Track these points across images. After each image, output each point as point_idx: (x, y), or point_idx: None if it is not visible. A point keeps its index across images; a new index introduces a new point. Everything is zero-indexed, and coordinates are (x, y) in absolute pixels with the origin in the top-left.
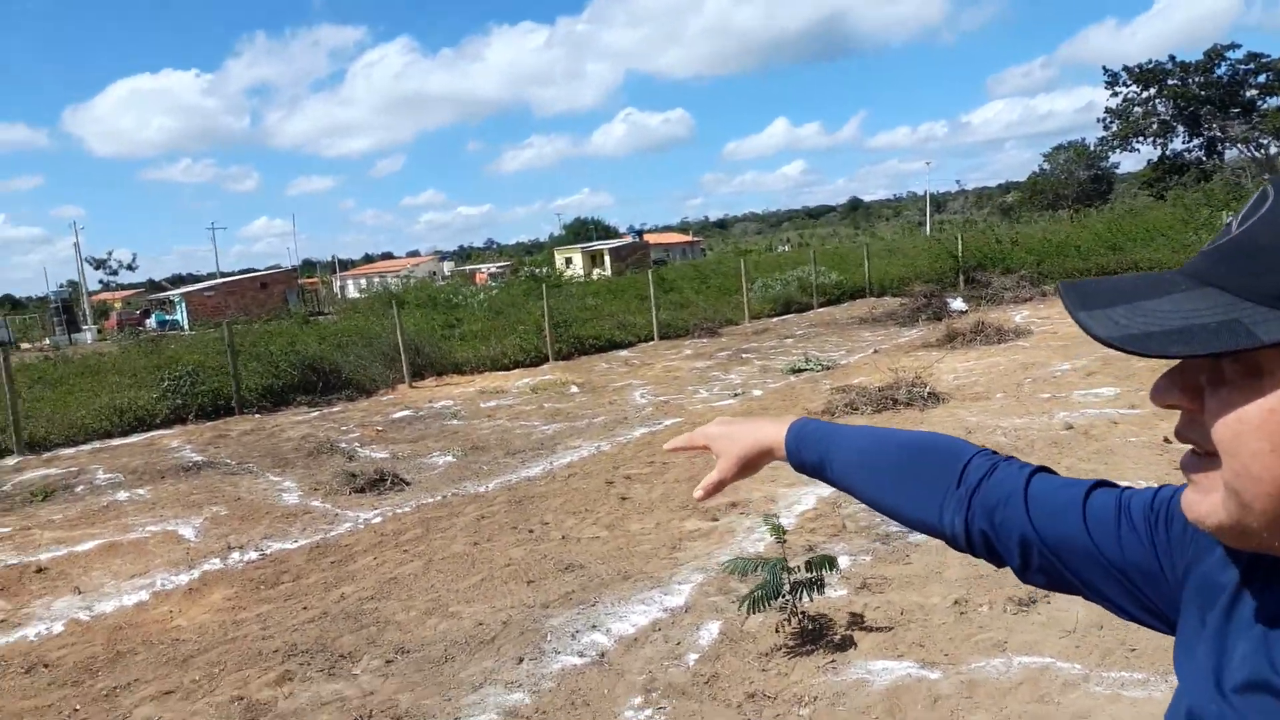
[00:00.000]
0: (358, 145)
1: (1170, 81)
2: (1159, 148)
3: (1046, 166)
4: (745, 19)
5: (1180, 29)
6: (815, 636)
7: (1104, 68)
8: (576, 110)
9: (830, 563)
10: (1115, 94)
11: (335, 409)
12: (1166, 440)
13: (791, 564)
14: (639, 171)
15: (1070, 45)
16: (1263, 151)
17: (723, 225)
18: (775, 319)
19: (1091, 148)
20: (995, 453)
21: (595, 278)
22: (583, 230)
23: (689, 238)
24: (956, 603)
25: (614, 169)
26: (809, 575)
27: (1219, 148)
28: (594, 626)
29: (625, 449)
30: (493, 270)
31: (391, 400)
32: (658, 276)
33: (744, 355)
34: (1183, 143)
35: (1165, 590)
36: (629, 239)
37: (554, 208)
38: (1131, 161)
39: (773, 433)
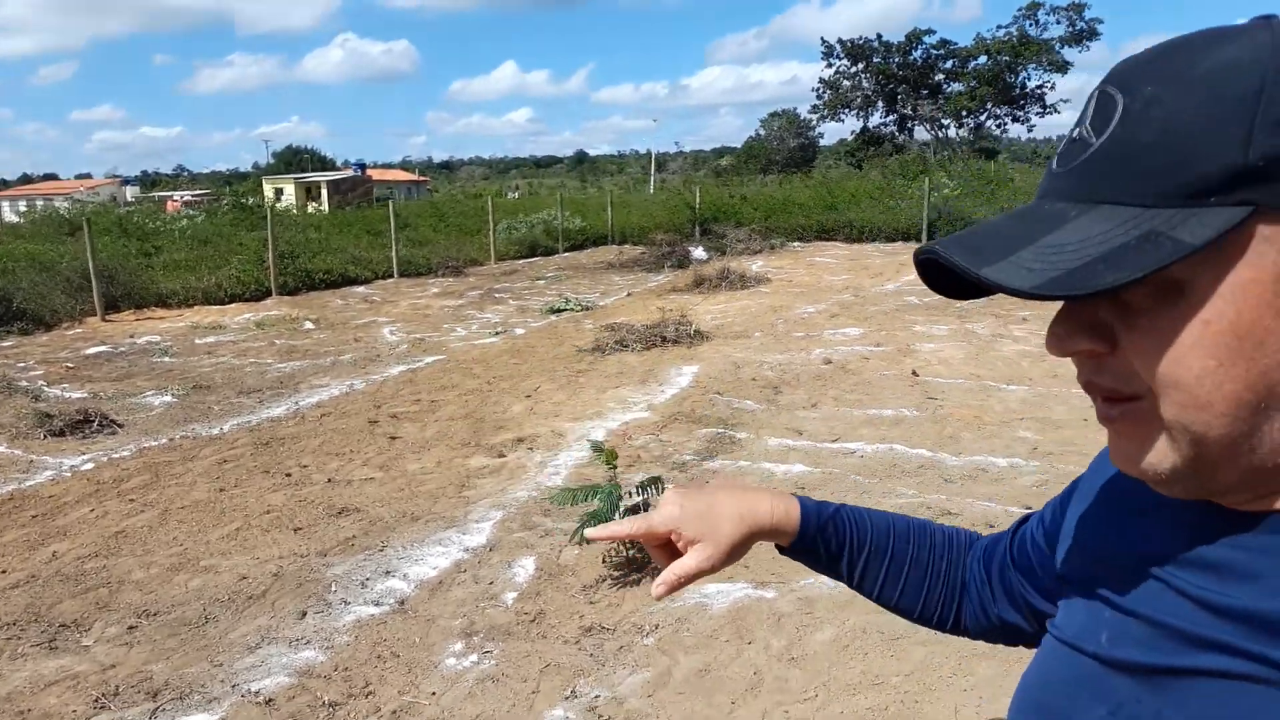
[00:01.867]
0: (16, 46)
1: (875, 59)
2: (861, 120)
3: (762, 132)
4: None
5: (874, 14)
6: (641, 564)
7: (822, 39)
8: (288, 30)
9: (659, 484)
10: (830, 65)
11: (6, 344)
12: (914, 374)
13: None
14: (357, 103)
15: (781, 19)
16: (944, 131)
17: (448, 167)
18: (521, 261)
19: (802, 117)
20: (1000, 534)
21: (312, 211)
22: (295, 160)
23: (416, 176)
24: None
25: (328, 98)
26: (639, 499)
27: (909, 125)
28: (387, 572)
29: (384, 387)
30: (187, 198)
31: (80, 334)
32: (391, 212)
33: (496, 295)
34: (881, 118)
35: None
36: (350, 172)
37: (258, 135)
38: (834, 132)
39: (782, 509)
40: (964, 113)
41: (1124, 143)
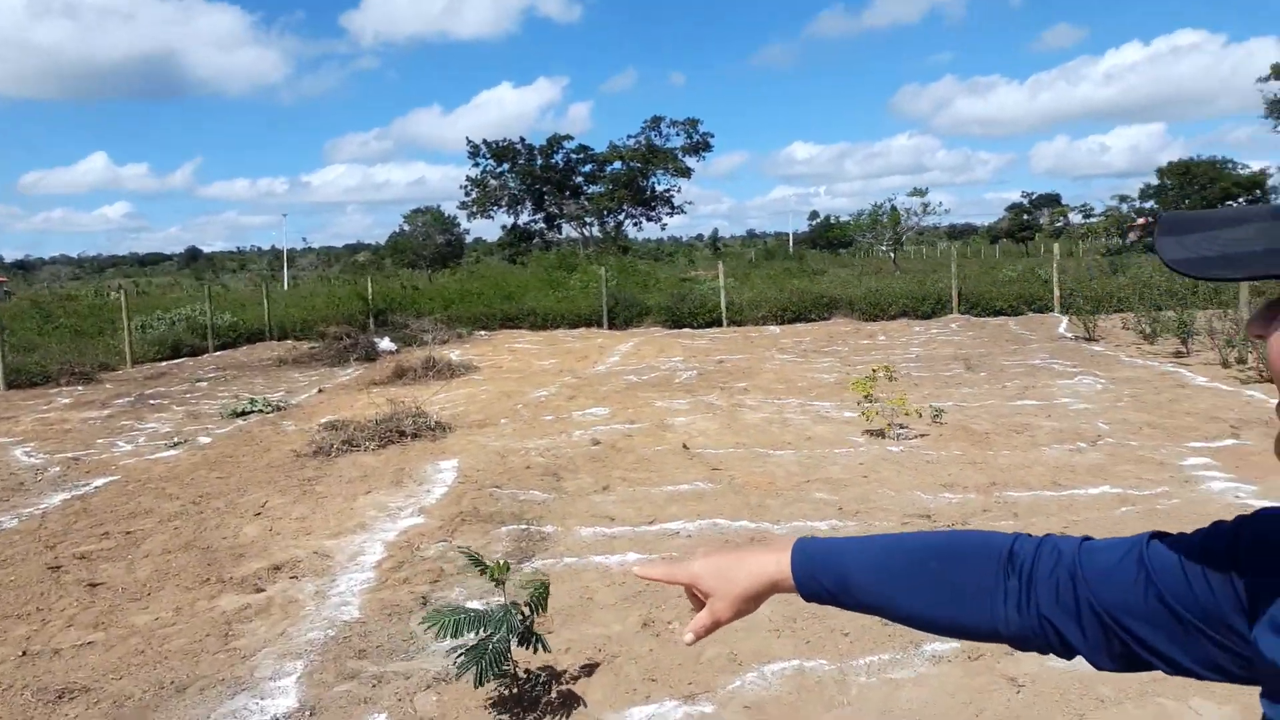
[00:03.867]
0: None
1: (520, 161)
2: (513, 216)
3: (407, 228)
4: (50, 37)
5: (491, 122)
6: (535, 700)
7: (468, 139)
8: None
9: (543, 598)
10: (476, 164)
11: None
12: (685, 446)
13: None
14: None
15: (402, 121)
16: (588, 229)
17: (24, 267)
18: (166, 363)
19: (447, 214)
20: (1030, 535)
21: None
22: None
23: None
24: (645, 624)
25: None
26: (524, 620)
27: (556, 222)
28: None
29: (48, 522)
30: None
31: None
32: None
33: (152, 402)
34: (530, 215)
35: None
36: None
37: None
38: (479, 229)
39: (772, 562)
40: (605, 212)
41: None
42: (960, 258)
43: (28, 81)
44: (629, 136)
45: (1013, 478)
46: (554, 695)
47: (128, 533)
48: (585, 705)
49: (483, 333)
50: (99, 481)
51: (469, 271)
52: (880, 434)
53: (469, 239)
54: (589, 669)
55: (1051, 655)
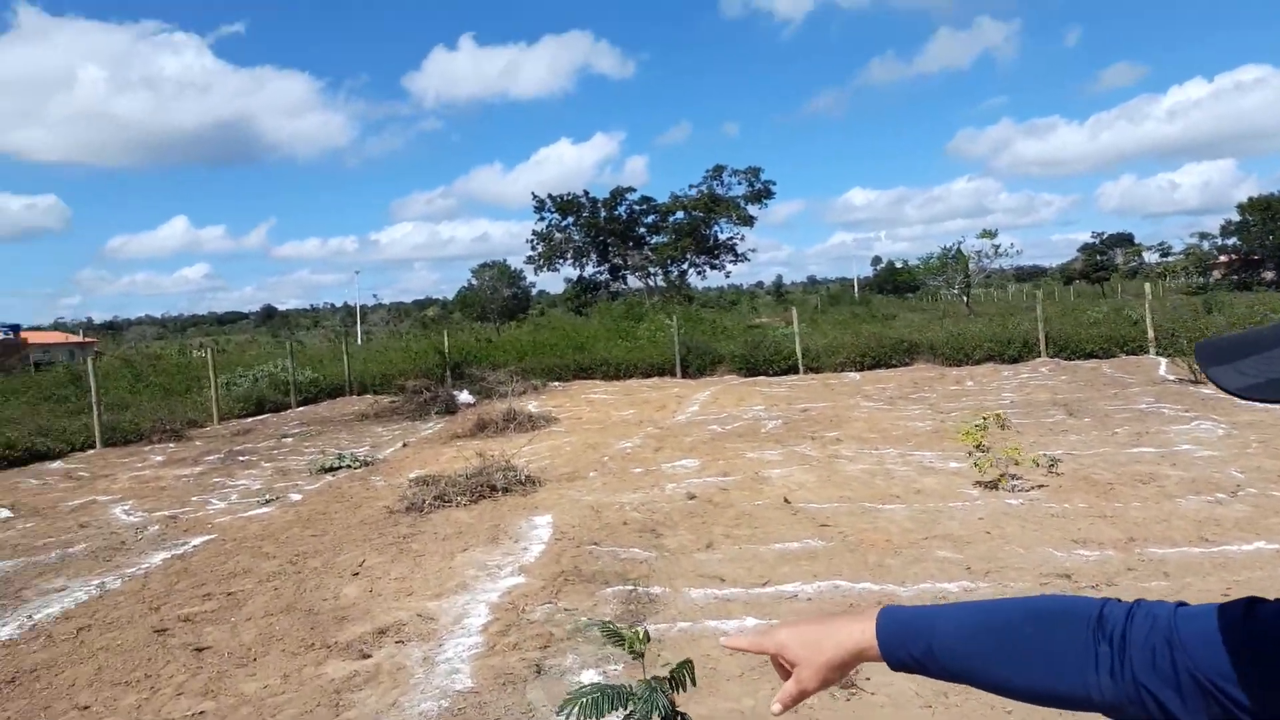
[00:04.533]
0: None
1: (584, 214)
2: (579, 268)
3: (475, 282)
4: (130, 109)
5: (549, 179)
6: None
7: (534, 194)
8: None
9: (690, 674)
10: (541, 218)
11: None
12: (786, 500)
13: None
14: None
15: (465, 181)
16: (653, 279)
17: (114, 327)
18: (251, 419)
19: (513, 268)
20: (1119, 600)
21: None
22: None
23: (79, 338)
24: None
25: None
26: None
27: (621, 273)
28: None
29: (150, 582)
30: None
31: None
32: (71, 375)
33: (241, 458)
34: (594, 267)
35: None
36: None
37: None
38: (546, 282)
39: (859, 631)
40: (669, 261)
41: None
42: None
43: (112, 151)
44: (691, 186)
45: (1151, 533)
46: None
47: (229, 593)
48: None
49: (557, 384)
50: (196, 540)
51: (535, 324)
52: (994, 486)
53: (534, 291)
54: None
55: None
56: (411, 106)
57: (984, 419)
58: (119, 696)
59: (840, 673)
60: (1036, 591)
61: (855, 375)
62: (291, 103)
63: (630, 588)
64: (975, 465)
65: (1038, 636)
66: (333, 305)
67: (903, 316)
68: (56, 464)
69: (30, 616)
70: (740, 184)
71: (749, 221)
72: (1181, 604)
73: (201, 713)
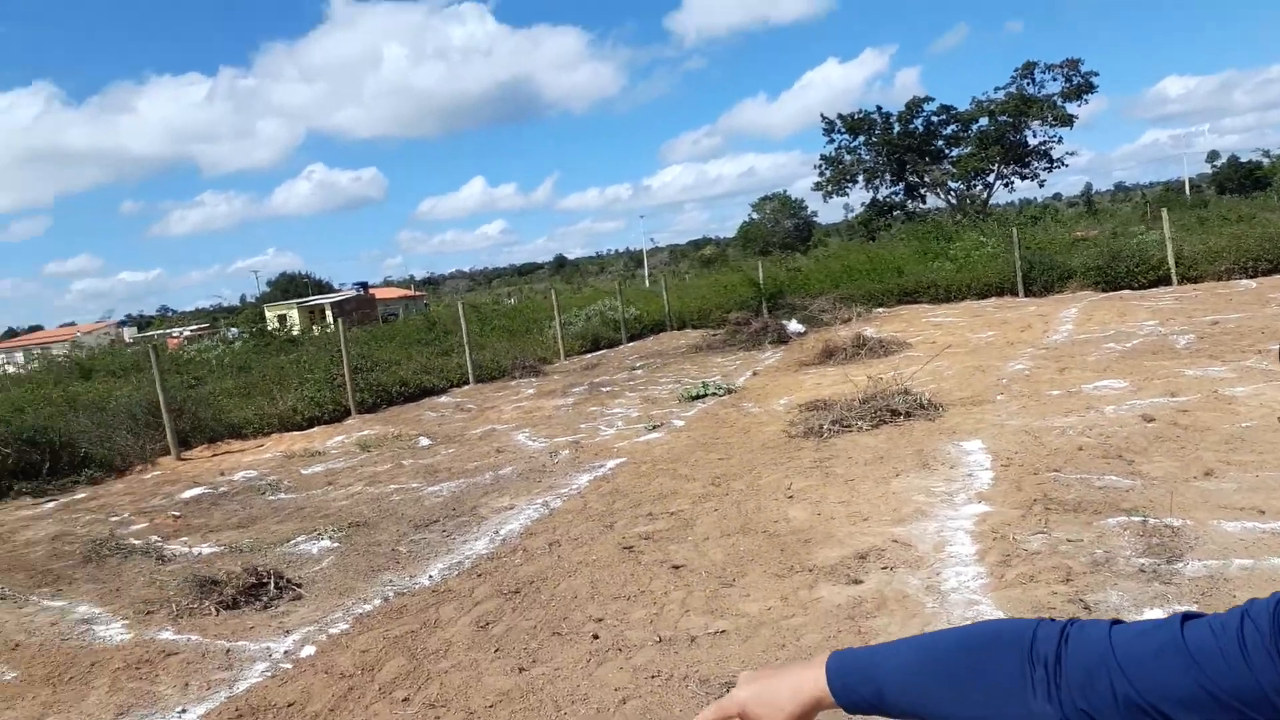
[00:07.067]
0: None
1: (876, 131)
2: (872, 190)
3: (756, 216)
4: (426, 80)
5: (815, 104)
6: None
7: (822, 115)
8: (255, 167)
9: None
10: (831, 140)
11: (80, 495)
12: None
13: None
14: (329, 230)
15: (728, 117)
16: (953, 195)
17: (432, 282)
18: (591, 355)
19: (794, 198)
20: (1053, 620)
21: (316, 333)
22: (291, 286)
23: (412, 292)
24: None
25: (301, 228)
26: None
27: (918, 192)
28: None
29: (590, 502)
30: (188, 334)
31: (161, 477)
32: (427, 320)
33: (604, 389)
34: (888, 188)
35: None
36: (352, 292)
37: (234, 270)
38: (826, 212)
39: (810, 679)
40: (973, 174)
41: None
42: None
43: (415, 122)
44: (996, 88)
45: None
46: None
47: (670, 513)
48: None
49: (880, 309)
50: (611, 463)
51: (831, 251)
52: None
53: (817, 221)
54: None
55: None
56: (674, 47)
57: None
58: (626, 610)
59: None
60: None
61: (1249, 282)
62: (565, 57)
63: (1140, 519)
64: None
65: (974, 666)
66: (615, 251)
67: (1261, 218)
68: (443, 398)
69: (497, 531)
70: (1055, 80)
71: (1068, 121)
72: (1116, 621)
73: (722, 631)
